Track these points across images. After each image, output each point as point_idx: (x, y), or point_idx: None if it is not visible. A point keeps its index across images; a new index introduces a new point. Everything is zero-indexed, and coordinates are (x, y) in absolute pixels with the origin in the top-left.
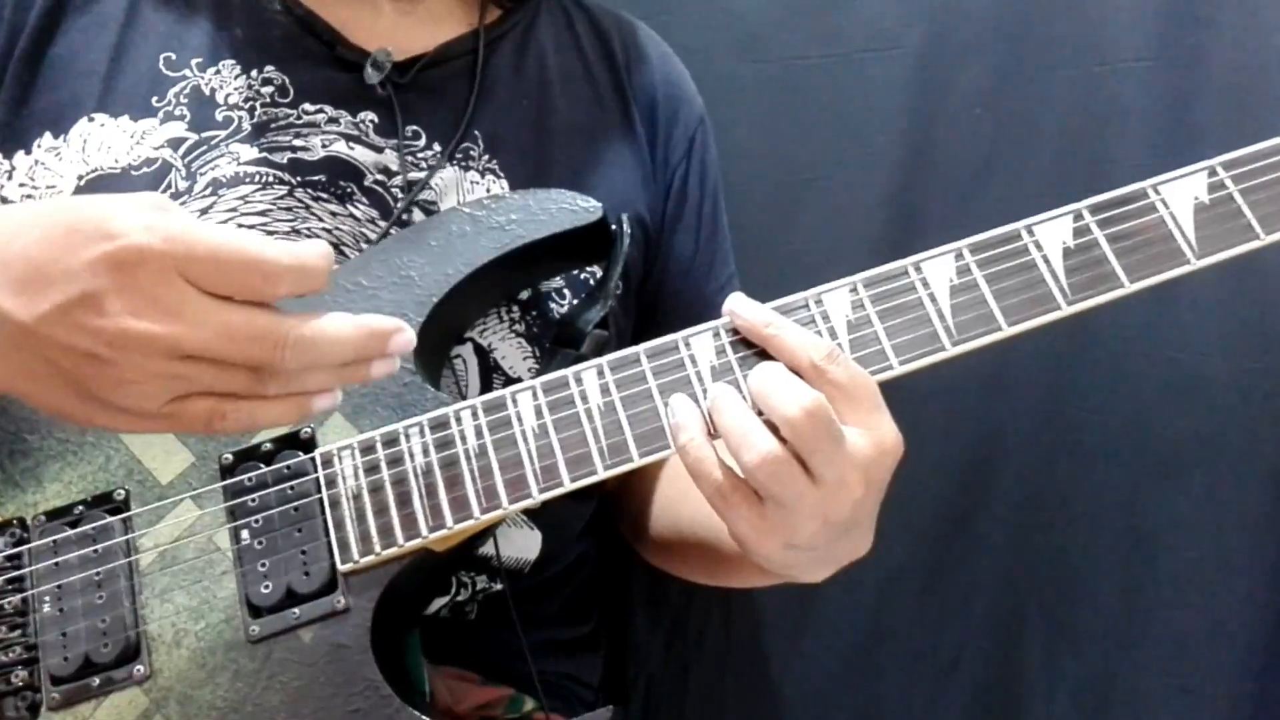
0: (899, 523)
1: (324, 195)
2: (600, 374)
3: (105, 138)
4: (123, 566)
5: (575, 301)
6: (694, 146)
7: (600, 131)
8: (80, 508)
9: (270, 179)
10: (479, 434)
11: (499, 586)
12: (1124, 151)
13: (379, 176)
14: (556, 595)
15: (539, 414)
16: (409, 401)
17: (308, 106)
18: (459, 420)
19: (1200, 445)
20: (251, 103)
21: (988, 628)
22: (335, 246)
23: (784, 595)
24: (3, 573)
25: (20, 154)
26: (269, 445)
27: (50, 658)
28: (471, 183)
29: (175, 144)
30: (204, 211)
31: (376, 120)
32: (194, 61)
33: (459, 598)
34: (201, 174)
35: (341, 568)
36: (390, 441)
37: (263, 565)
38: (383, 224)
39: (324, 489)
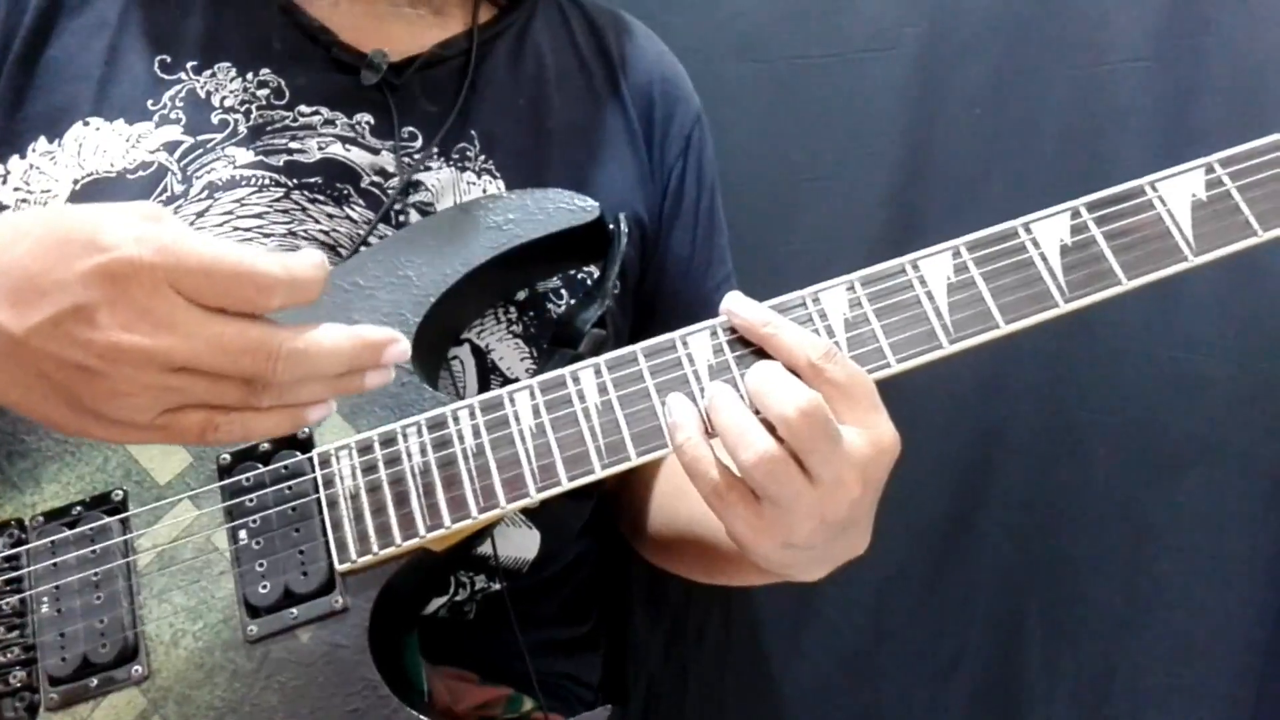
0: (899, 523)
1: (320, 197)
2: (598, 373)
3: (100, 142)
4: (121, 567)
5: (573, 302)
6: (691, 145)
7: (597, 131)
8: (78, 508)
9: (266, 181)
10: (476, 434)
11: (498, 586)
12: (1124, 151)
13: (375, 178)
14: (555, 595)
15: (536, 413)
16: (406, 401)
17: (303, 109)
18: (456, 420)
19: (1200, 445)
20: (247, 105)
21: (988, 628)
22: (332, 248)
23: (784, 595)
24: (1, 574)
25: (15, 158)
26: (267, 445)
27: (48, 658)
28: (468, 183)
29: (171, 148)
30: (200, 215)
31: (373, 122)
32: (189, 65)
33: (457, 597)
34: (197, 177)
35: (339, 568)
36: (388, 441)
37: (260, 565)
38: (381, 226)
39: (322, 489)
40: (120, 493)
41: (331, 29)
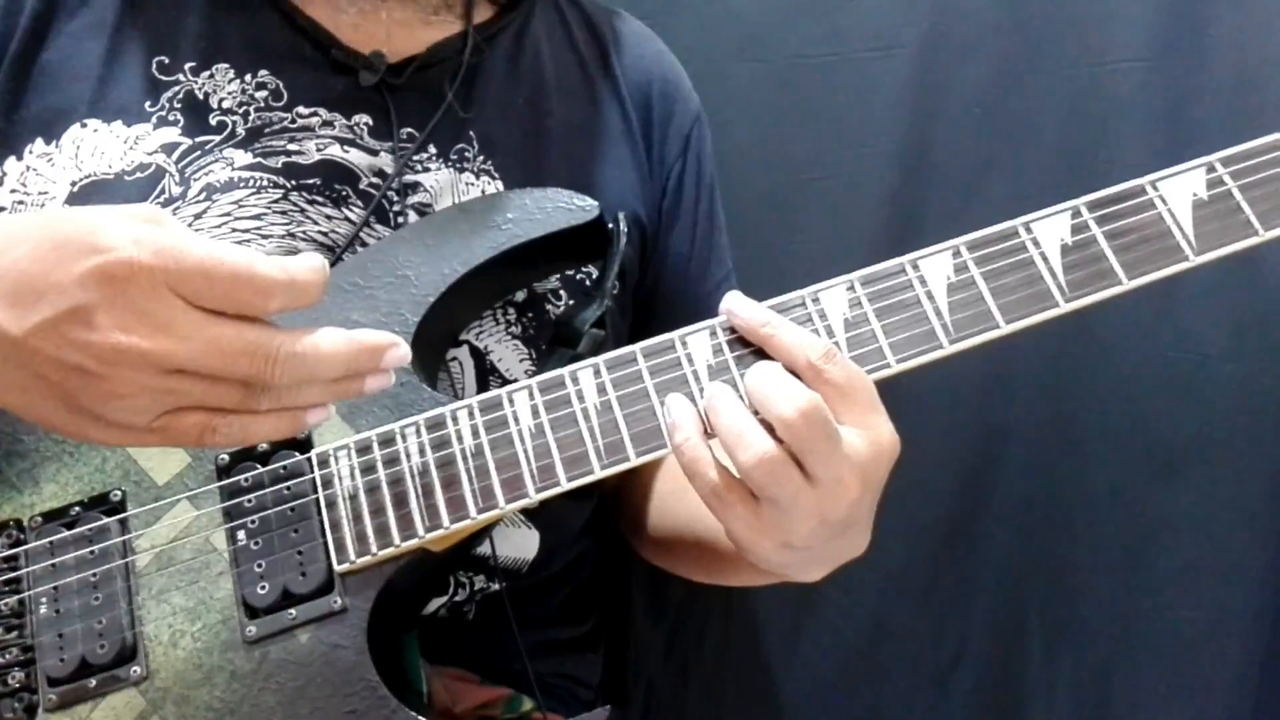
0: (899, 523)
1: (319, 199)
2: (597, 373)
3: (98, 143)
4: (119, 567)
5: (572, 303)
6: (690, 144)
7: (596, 131)
8: (77, 509)
9: (265, 183)
10: (475, 434)
11: (497, 586)
12: (1124, 151)
13: (374, 179)
14: (555, 595)
15: (535, 414)
16: (405, 401)
17: (302, 110)
18: (455, 420)
19: (1200, 445)
20: (245, 107)
21: (988, 628)
22: (330, 249)
23: (784, 595)
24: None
25: (11, 160)
26: (265, 446)
27: (47, 659)
28: (466, 184)
29: (169, 149)
30: (198, 216)
31: (371, 123)
32: (187, 66)
33: (457, 598)
34: (195, 179)
35: (338, 568)
36: (386, 442)
37: (259, 566)
38: (380, 227)
39: (320, 489)
40: (119, 493)
41: (330, 30)
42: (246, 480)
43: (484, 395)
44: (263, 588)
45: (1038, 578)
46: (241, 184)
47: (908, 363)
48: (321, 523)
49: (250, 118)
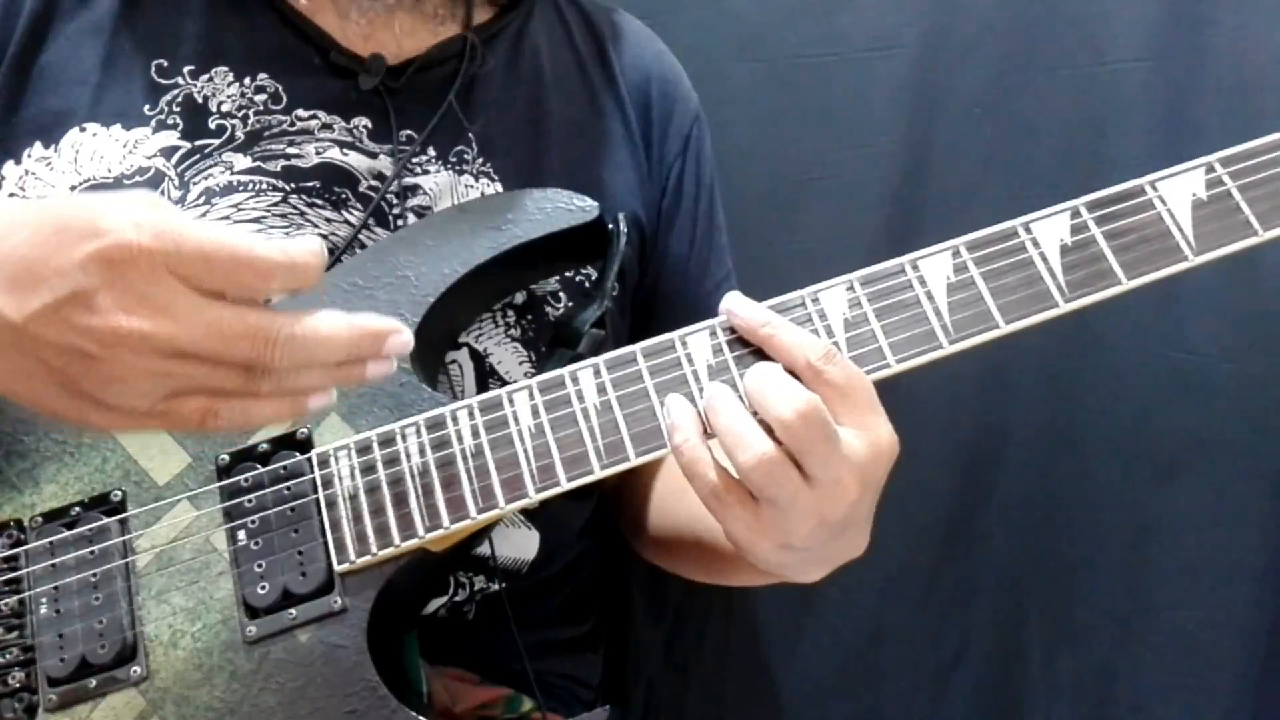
0: (899, 523)
1: (318, 201)
2: (597, 373)
3: (97, 147)
4: (119, 568)
5: (571, 305)
6: (689, 144)
7: (595, 132)
8: (77, 509)
9: (264, 186)
10: (475, 434)
11: (497, 587)
12: (1124, 151)
13: (373, 182)
14: (555, 595)
15: (535, 414)
16: (406, 401)
17: (301, 113)
18: (455, 420)
19: (1200, 445)
20: (245, 111)
21: (988, 628)
22: (330, 252)
23: (784, 596)
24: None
25: (10, 164)
26: (265, 446)
27: (47, 659)
28: (466, 186)
29: (168, 153)
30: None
31: (370, 126)
32: (186, 69)
33: (457, 598)
34: (195, 183)
35: (338, 568)
36: (386, 442)
37: (259, 566)
38: (379, 229)
39: (320, 489)
40: (119, 493)
41: (329, 33)
42: (246, 480)
43: (484, 395)
44: (263, 588)
45: (1038, 578)
46: (241, 187)
47: (907, 363)
48: (322, 523)
49: (249, 121)
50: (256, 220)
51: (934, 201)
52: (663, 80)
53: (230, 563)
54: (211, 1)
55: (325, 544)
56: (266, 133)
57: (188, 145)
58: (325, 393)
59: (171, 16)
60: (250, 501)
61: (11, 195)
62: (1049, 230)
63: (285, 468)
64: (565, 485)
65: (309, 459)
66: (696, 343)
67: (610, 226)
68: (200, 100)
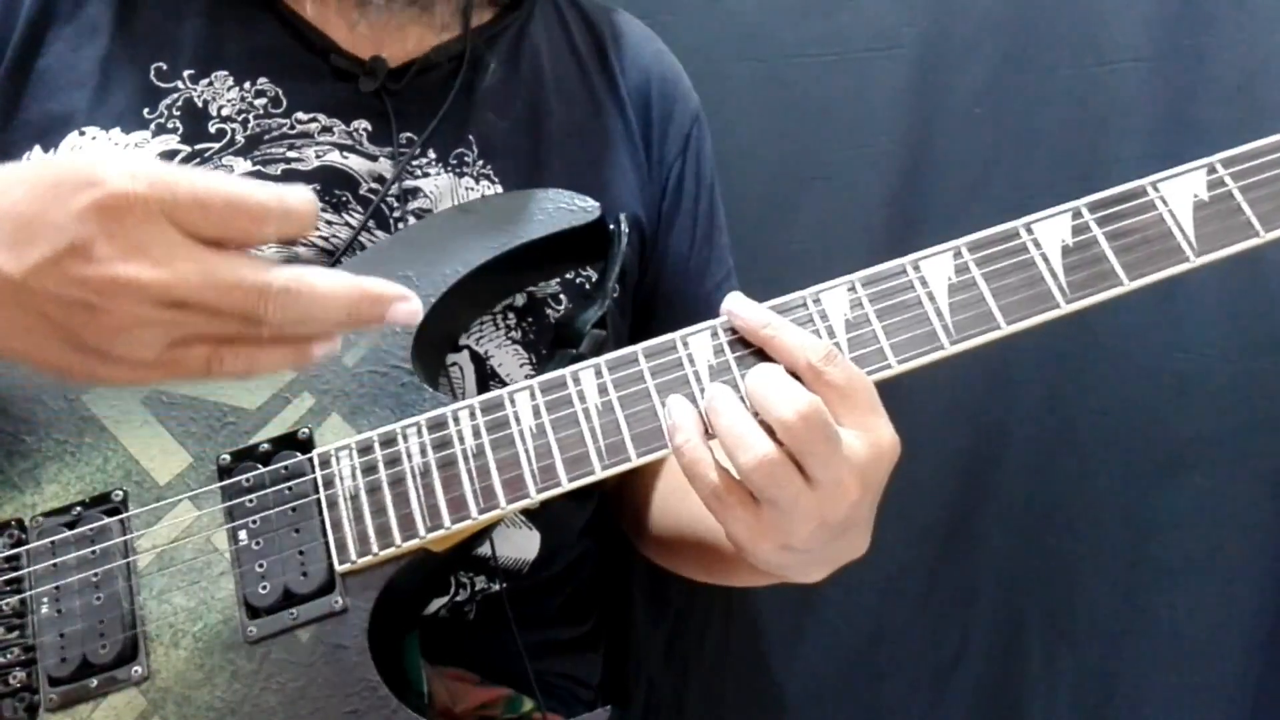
0: (899, 523)
1: (319, 204)
2: (598, 374)
3: (96, 150)
4: (121, 567)
5: (571, 307)
6: (689, 144)
7: (595, 133)
8: (78, 509)
9: None
10: (476, 434)
11: (498, 587)
12: (1124, 151)
13: (373, 185)
14: (556, 595)
15: (537, 414)
16: (407, 402)
17: (301, 116)
18: (456, 420)
19: (1200, 445)
20: (245, 115)
21: (988, 628)
22: (331, 254)
23: (784, 596)
24: (1, 574)
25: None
26: (267, 446)
27: (48, 659)
28: (466, 188)
29: (168, 157)
30: None
31: (370, 128)
32: (186, 73)
33: (458, 598)
34: None
35: (339, 568)
36: (388, 442)
37: (260, 566)
38: (379, 232)
39: (321, 489)
40: (120, 493)
41: (329, 36)
42: (248, 480)
43: (485, 395)
44: (264, 588)
45: (1038, 578)
46: None
47: (909, 363)
48: (323, 523)
49: (249, 125)
50: None
51: (934, 201)
52: (662, 80)
53: (231, 563)
54: (211, 4)
55: (326, 544)
56: (266, 136)
57: (188, 149)
58: (330, 341)
59: (170, 19)
60: (251, 501)
61: None
62: (1050, 231)
63: (287, 468)
64: (566, 485)
65: (310, 459)
66: (698, 343)
67: (611, 227)
68: (200, 104)
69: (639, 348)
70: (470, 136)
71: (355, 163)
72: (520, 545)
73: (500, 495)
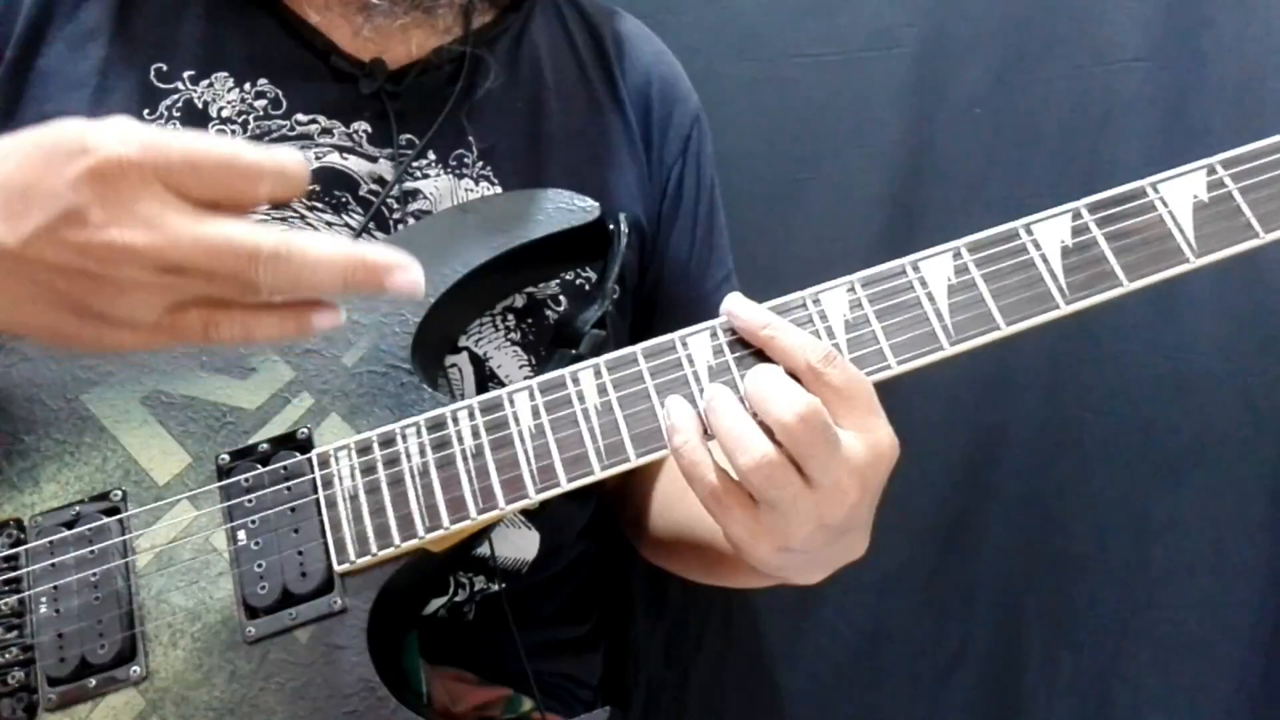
0: (899, 523)
1: (319, 205)
2: (597, 374)
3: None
4: (119, 567)
5: (571, 307)
6: (689, 145)
7: (595, 134)
8: (77, 508)
9: None
10: (476, 434)
11: (497, 587)
12: (1124, 152)
13: (373, 186)
14: (555, 595)
15: (536, 414)
16: (406, 402)
17: (301, 117)
18: (456, 421)
19: (1200, 445)
20: (245, 116)
21: (988, 628)
22: None
23: (784, 596)
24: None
25: None
26: (266, 446)
27: (47, 659)
28: (466, 190)
29: None
30: None
31: (370, 130)
32: (186, 74)
33: (457, 598)
34: None
35: (338, 568)
36: (387, 442)
37: (259, 566)
38: (379, 234)
39: (320, 490)
40: (119, 493)
41: (329, 38)
42: (247, 480)
43: (485, 396)
44: (263, 588)
45: (1038, 578)
46: None
47: (908, 364)
48: (322, 523)
49: (250, 126)
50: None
51: (934, 201)
52: (663, 81)
53: (230, 563)
54: (211, 6)
55: (325, 544)
56: (266, 138)
57: None
58: (332, 311)
59: (170, 21)
60: (250, 501)
61: None
62: (1050, 232)
63: (285, 468)
64: (565, 486)
65: (309, 459)
66: (697, 344)
67: (610, 227)
68: (200, 105)
69: (638, 348)
70: (470, 138)
71: (355, 164)
72: (520, 545)
73: (499, 496)
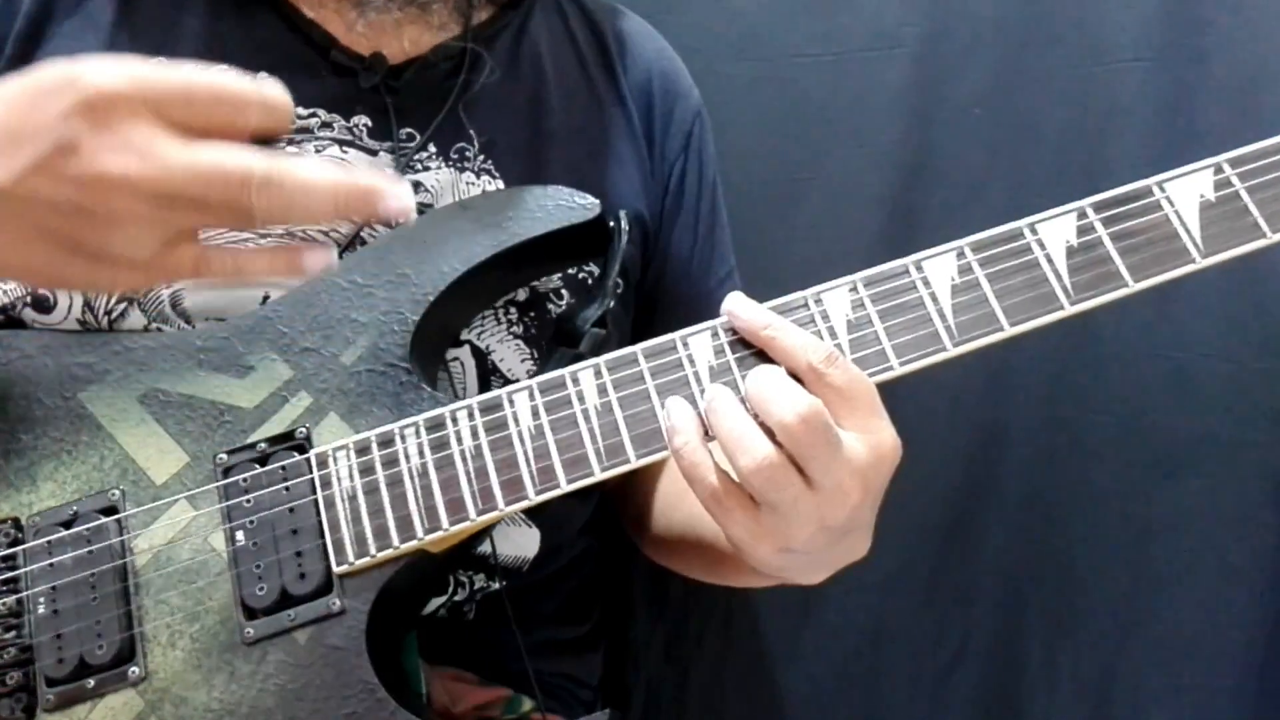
0: (900, 523)
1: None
2: (598, 374)
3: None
4: (117, 568)
5: (573, 302)
6: (691, 141)
7: (597, 130)
8: (75, 508)
9: None
10: (475, 435)
11: (497, 586)
12: (1124, 152)
13: None
14: (556, 594)
15: (536, 414)
16: (405, 401)
17: (300, 111)
18: (455, 421)
19: (1200, 445)
20: None
21: (988, 628)
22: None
23: (784, 596)
24: None
25: None
26: (264, 445)
27: (45, 659)
28: (467, 184)
29: None
30: None
31: (370, 124)
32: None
33: (457, 597)
34: None
35: (337, 569)
36: (386, 442)
37: (258, 567)
38: (380, 227)
39: (319, 490)
40: (117, 492)
41: (329, 32)
42: (245, 480)
43: (484, 396)
44: (261, 589)
45: (1038, 578)
46: None
47: (911, 365)
48: (320, 524)
49: None
50: None
51: (934, 201)
52: (664, 77)
53: (229, 563)
54: (211, 0)
55: (324, 545)
56: None
57: None
58: (324, 250)
59: (170, 14)
60: (249, 502)
61: None
62: (1055, 231)
63: (284, 468)
64: (565, 487)
65: (308, 459)
66: (698, 344)
67: (611, 224)
68: None
69: (638, 348)
70: (470, 131)
71: (355, 158)
72: (520, 543)
73: (498, 496)
